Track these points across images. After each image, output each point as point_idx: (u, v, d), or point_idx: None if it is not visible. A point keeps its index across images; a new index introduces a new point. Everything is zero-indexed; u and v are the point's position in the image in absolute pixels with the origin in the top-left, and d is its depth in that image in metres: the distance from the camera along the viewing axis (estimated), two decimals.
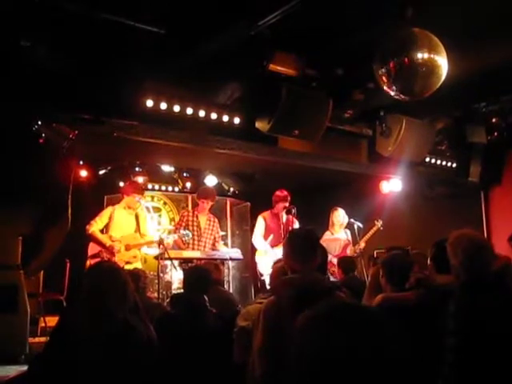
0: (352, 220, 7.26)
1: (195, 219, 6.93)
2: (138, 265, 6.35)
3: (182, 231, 6.62)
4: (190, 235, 6.60)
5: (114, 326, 2.60)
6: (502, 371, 2.39)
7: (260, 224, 6.94)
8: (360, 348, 1.20)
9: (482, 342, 2.43)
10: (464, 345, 2.47)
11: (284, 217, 6.90)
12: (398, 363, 1.22)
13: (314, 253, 2.74)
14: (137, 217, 6.56)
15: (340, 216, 7.28)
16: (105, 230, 6.40)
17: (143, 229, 6.57)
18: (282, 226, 6.77)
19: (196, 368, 3.37)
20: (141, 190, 6.78)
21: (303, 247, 2.74)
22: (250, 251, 8.02)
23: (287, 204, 6.82)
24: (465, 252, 2.66)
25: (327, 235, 7.29)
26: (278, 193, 6.90)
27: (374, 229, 7.22)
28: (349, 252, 7.11)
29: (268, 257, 6.61)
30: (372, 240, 7.24)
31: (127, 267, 5.74)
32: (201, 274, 3.86)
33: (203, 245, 6.86)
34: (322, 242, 6.93)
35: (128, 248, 6.30)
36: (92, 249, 6.22)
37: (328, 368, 1.20)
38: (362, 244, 7.15)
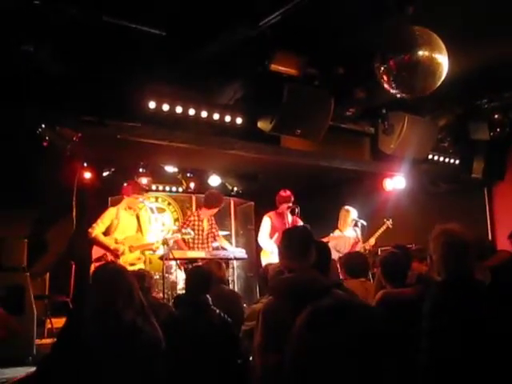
0: (356, 218, 7.27)
1: (200, 223, 6.94)
2: (142, 266, 6.30)
3: (183, 230, 6.59)
4: (193, 234, 6.58)
5: (121, 327, 2.60)
6: (477, 372, 2.36)
7: (266, 224, 6.94)
8: (356, 344, 1.22)
9: (456, 343, 2.39)
10: (438, 346, 2.42)
11: (289, 217, 6.92)
12: (394, 360, 1.24)
13: (309, 250, 2.72)
14: (138, 217, 6.51)
15: (353, 215, 7.28)
16: (107, 231, 6.29)
17: (144, 230, 6.53)
18: (287, 226, 6.78)
19: (202, 367, 3.38)
20: (141, 189, 6.69)
21: (297, 245, 2.73)
22: (254, 250, 8.04)
23: (290, 204, 6.84)
24: (443, 248, 2.64)
25: (337, 233, 7.30)
26: (281, 193, 6.93)
27: (384, 227, 7.24)
28: (358, 250, 7.10)
29: (273, 256, 6.62)
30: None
31: (131, 269, 5.67)
32: (202, 274, 3.86)
33: (206, 247, 6.91)
34: (331, 239, 7.01)
35: (132, 249, 6.26)
36: (96, 252, 6.16)
37: (323, 364, 1.23)
38: (372, 241, 7.17)
